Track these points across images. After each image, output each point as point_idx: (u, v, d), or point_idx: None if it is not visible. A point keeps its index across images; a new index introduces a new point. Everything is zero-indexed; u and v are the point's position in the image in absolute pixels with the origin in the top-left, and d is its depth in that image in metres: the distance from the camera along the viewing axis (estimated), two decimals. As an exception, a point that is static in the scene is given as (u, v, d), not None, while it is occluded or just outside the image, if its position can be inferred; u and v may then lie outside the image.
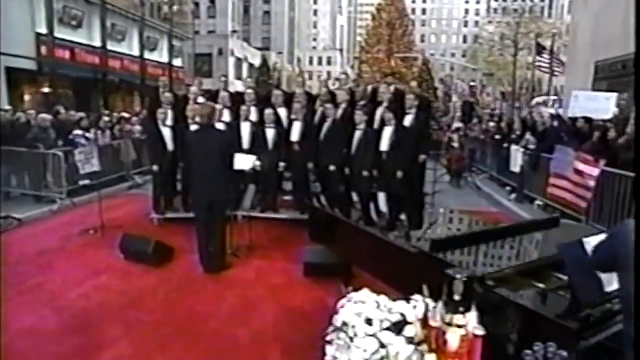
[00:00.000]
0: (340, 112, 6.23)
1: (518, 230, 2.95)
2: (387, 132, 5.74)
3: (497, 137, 10.05)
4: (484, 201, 9.10)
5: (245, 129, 6.28)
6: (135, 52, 18.76)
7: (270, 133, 6.19)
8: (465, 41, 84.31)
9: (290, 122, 6.33)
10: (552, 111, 9.69)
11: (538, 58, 22.44)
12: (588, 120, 6.92)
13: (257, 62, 43.01)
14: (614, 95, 7.05)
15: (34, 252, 5.21)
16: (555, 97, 30.68)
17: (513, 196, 8.63)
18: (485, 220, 4.94)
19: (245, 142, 6.27)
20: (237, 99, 6.87)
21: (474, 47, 79.60)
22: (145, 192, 8.93)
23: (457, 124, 14.22)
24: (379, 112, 6.13)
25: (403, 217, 5.14)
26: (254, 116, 6.50)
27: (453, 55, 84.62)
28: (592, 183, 5.96)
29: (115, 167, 9.41)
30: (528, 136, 8.53)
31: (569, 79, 15.34)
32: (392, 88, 6.50)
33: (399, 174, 5.73)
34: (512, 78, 35.39)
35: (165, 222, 6.28)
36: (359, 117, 5.86)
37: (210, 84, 38.45)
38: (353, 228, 3.42)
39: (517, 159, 8.68)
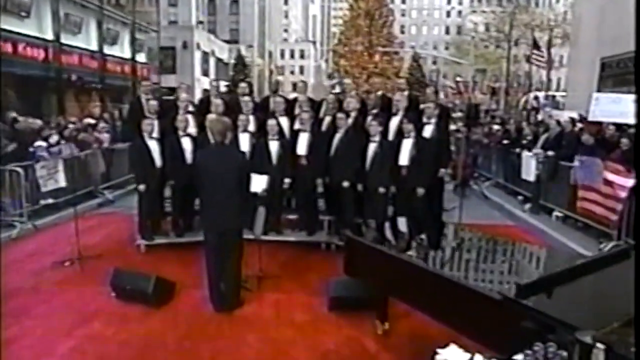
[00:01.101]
0: (350, 121, 6.11)
1: (592, 267, 2.90)
2: (407, 145, 5.67)
3: (505, 141, 10.17)
4: (496, 212, 9.18)
5: (244, 142, 6.06)
6: (94, 46, 18.10)
7: (274, 146, 6.01)
8: (447, 32, 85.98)
9: (295, 133, 6.17)
10: (574, 114, 9.85)
11: (534, 52, 23.12)
12: (617, 126, 7.07)
13: (225, 56, 42.47)
14: (639, 97, 7.20)
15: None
16: (549, 93, 31.42)
17: (527, 206, 8.72)
18: (514, 239, 4.94)
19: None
20: (231, 106, 6.66)
21: (457, 39, 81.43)
22: (119, 209, 8.59)
23: (453, 126, 14.37)
24: (394, 122, 6.06)
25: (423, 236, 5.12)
26: (252, 126, 6.31)
27: (435, 47, 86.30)
28: (622, 194, 6.05)
29: (82, 182, 8.97)
30: (541, 142, 8.66)
31: (571, 75, 15.80)
32: (405, 93, 6.44)
33: (420, 190, 5.66)
34: (502, 72, 36.19)
35: (154, 249, 5.99)
36: (374, 128, 5.76)
37: (173, 81, 37.39)
38: (405, 264, 3.30)
39: (530, 167, 8.79)
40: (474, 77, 31.90)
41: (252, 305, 4.43)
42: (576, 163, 7.05)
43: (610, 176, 6.23)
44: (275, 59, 58.10)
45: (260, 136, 6.15)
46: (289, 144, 6.10)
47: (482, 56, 43.48)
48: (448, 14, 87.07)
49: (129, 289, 4.32)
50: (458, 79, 42.16)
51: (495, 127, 11.48)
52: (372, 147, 5.80)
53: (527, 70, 41.45)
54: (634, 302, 2.30)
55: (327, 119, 6.38)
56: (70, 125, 9.23)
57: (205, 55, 38.34)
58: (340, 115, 5.94)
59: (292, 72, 74.10)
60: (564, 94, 30.79)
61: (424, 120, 5.97)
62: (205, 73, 38.44)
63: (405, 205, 5.77)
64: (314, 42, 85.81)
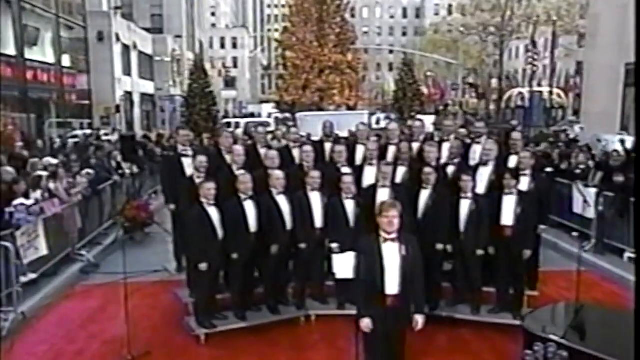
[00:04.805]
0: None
1: None
2: (509, 202, 6.10)
3: (548, 169, 10.94)
4: (552, 252, 9.83)
5: (316, 201, 6.27)
6: (11, 50, 17.23)
7: (350, 205, 6.25)
8: (405, 15, 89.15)
9: (372, 188, 6.43)
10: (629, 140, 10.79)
11: (532, 50, 24.72)
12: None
13: (149, 49, 41.57)
14: None
15: None
16: (536, 89, 33.34)
17: (588, 245, 9.48)
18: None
19: (318, 220, 6.26)
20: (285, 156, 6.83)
21: (416, 23, 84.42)
22: (113, 277, 8.24)
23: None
24: (484, 174, 6.50)
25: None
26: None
27: (391, 33, 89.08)
28: None
29: (59, 245, 8.67)
30: (600, 175, 9.49)
31: (588, 82, 17.17)
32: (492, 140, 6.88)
33: (527, 252, 6.12)
34: (482, 68, 37.95)
35: (215, 337, 6.01)
36: (467, 183, 6.15)
37: (85, 83, 36.18)
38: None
39: (588, 201, 9.56)
40: (463, 79, 33.27)
41: None
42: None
43: None
44: (206, 50, 57.48)
45: (331, 194, 6.36)
46: (365, 201, 6.36)
47: (455, 47, 45.25)
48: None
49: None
50: (429, 74, 43.77)
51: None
52: (465, 205, 6.19)
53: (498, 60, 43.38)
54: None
55: (402, 170, 6.72)
56: (41, 172, 8.86)
57: (126, 49, 37.39)
58: (427, 170, 6.28)
59: (223, 66, 73.61)
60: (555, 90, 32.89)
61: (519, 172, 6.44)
62: (127, 71, 37.46)
63: (508, 268, 6.21)
64: (248, 28, 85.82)
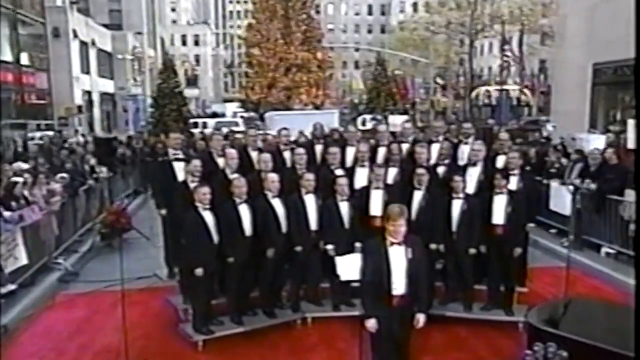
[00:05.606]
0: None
1: None
2: (500, 201, 6.37)
3: (527, 168, 11.35)
4: (531, 248, 10.20)
5: (311, 204, 6.40)
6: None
7: (345, 207, 6.41)
8: (370, 12, 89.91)
9: (365, 189, 6.60)
10: (602, 138, 11.24)
11: (504, 48, 25.40)
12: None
13: (108, 46, 40.77)
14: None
15: None
16: (504, 87, 34.23)
17: (566, 242, 9.90)
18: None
19: (313, 222, 6.39)
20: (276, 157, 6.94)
21: (382, 20, 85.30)
22: (97, 286, 8.18)
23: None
24: (474, 175, 6.76)
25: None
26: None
27: (356, 31, 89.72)
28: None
29: (36, 253, 8.54)
30: (576, 172, 9.90)
31: (557, 81, 17.80)
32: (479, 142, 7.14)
33: (518, 250, 6.41)
34: (450, 66, 38.77)
35: (213, 343, 6.04)
36: (459, 183, 6.39)
37: (44, 82, 35.09)
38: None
39: (565, 199, 9.99)
40: (434, 78, 33.84)
41: None
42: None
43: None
44: (168, 48, 56.64)
45: (325, 196, 6.51)
46: (359, 203, 6.54)
47: (422, 44, 45.97)
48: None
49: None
50: (397, 72, 44.40)
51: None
52: (457, 205, 6.43)
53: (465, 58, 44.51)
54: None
55: (393, 171, 6.91)
56: (17, 178, 8.68)
57: (84, 46, 36.58)
58: (421, 171, 6.50)
59: (184, 63, 72.70)
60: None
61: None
62: (85, 69, 36.67)
63: (500, 267, 6.48)
64: (209, 25, 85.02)
